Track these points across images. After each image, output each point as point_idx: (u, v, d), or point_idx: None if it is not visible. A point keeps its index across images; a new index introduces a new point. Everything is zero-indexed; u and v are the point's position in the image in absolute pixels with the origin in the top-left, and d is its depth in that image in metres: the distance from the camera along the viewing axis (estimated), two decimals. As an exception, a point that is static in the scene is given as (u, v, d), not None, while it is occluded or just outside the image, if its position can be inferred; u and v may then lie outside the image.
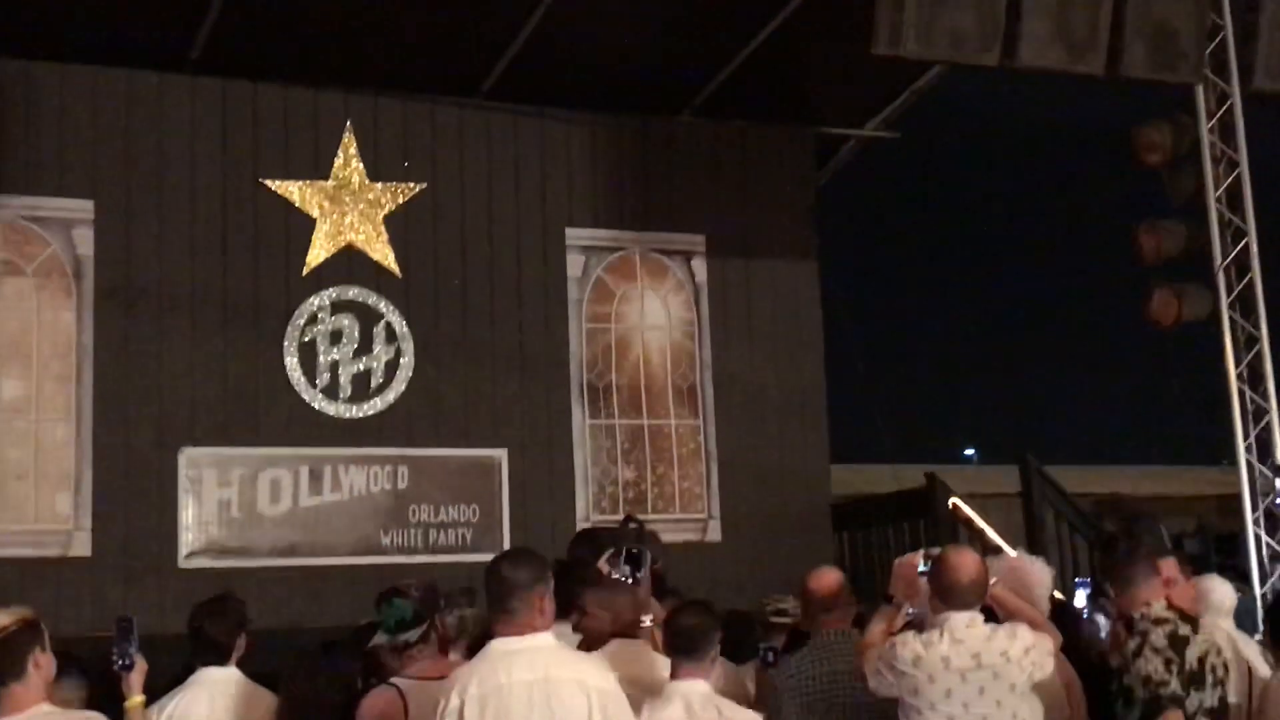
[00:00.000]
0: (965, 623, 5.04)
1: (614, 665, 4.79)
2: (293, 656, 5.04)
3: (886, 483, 12.91)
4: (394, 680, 4.83)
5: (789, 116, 12.37)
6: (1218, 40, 11.09)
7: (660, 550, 7.81)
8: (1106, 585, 5.34)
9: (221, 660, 5.25)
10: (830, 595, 5.61)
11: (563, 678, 4.36)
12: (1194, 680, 4.98)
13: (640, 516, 9.70)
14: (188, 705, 5.16)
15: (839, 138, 13.01)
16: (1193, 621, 5.10)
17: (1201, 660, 5.01)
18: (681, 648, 5.04)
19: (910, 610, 5.36)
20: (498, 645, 4.41)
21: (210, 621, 5.30)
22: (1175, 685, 4.96)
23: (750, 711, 5.12)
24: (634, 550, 5.65)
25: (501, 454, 11.19)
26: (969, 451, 26.38)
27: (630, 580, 5.56)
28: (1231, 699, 5.19)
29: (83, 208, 10.43)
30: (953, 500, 11.93)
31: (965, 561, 5.17)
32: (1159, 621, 5.04)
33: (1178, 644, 5.00)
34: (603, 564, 5.65)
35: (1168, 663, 4.97)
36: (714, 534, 11.73)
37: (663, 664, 5.24)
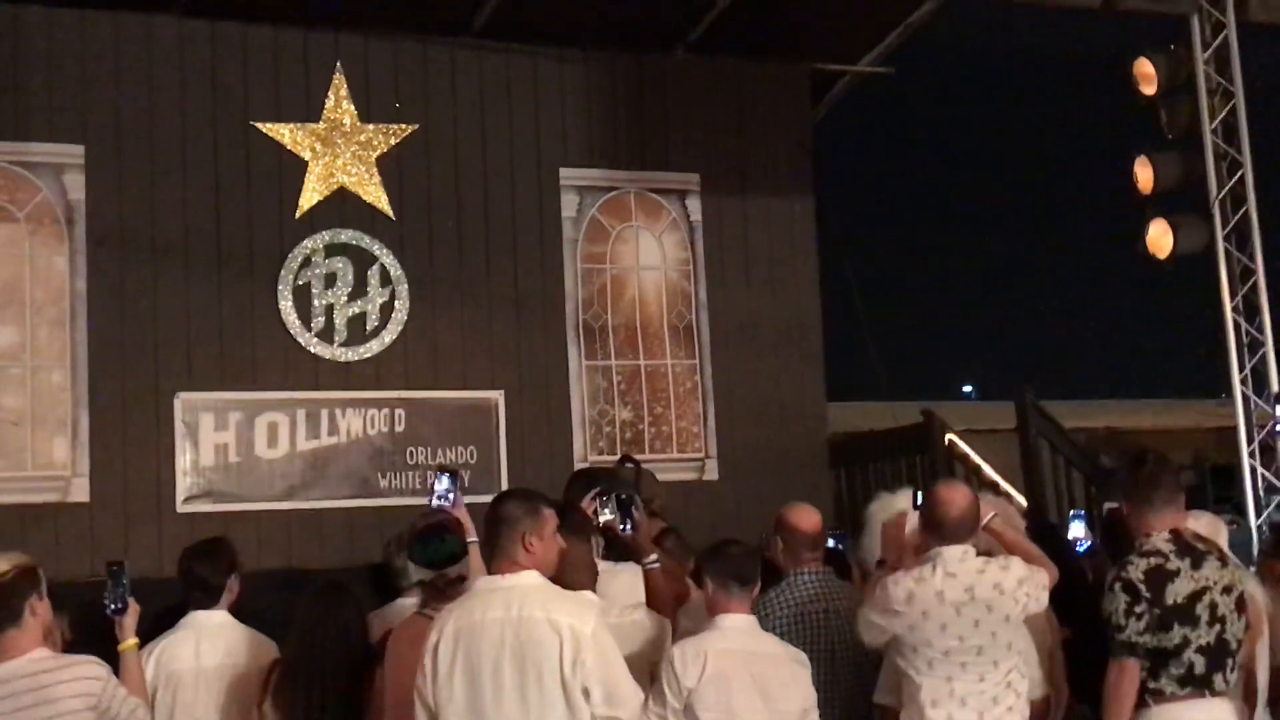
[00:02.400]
0: (958, 556, 5.06)
1: None
2: (302, 603, 5.02)
3: (884, 419, 12.93)
4: (426, 610, 4.86)
5: (783, 53, 12.28)
6: (1214, -30, 11.03)
7: (658, 489, 7.84)
8: (1120, 502, 5.22)
9: (211, 602, 5.26)
10: (815, 534, 5.62)
11: (535, 617, 4.33)
12: (1178, 617, 4.91)
13: (637, 456, 9.76)
14: (175, 648, 5.18)
15: (834, 74, 12.92)
16: (1194, 555, 5.03)
17: (1193, 596, 4.93)
18: (735, 574, 5.02)
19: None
20: (482, 583, 4.43)
21: (199, 563, 5.32)
22: (1130, 630, 4.89)
23: (800, 651, 5.13)
24: (623, 496, 5.61)
25: (498, 395, 11.19)
26: (966, 388, 26.43)
27: (625, 529, 5.54)
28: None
29: (73, 153, 10.36)
30: (949, 436, 11.96)
31: (956, 496, 5.18)
32: (1147, 554, 4.99)
33: (1156, 579, 4.93)
34: (587, 503, 5.64)
35: (1130, 604, 4.90)
36: (711, 473, 11.75)
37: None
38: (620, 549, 5.66)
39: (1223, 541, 5.64)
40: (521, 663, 4.28)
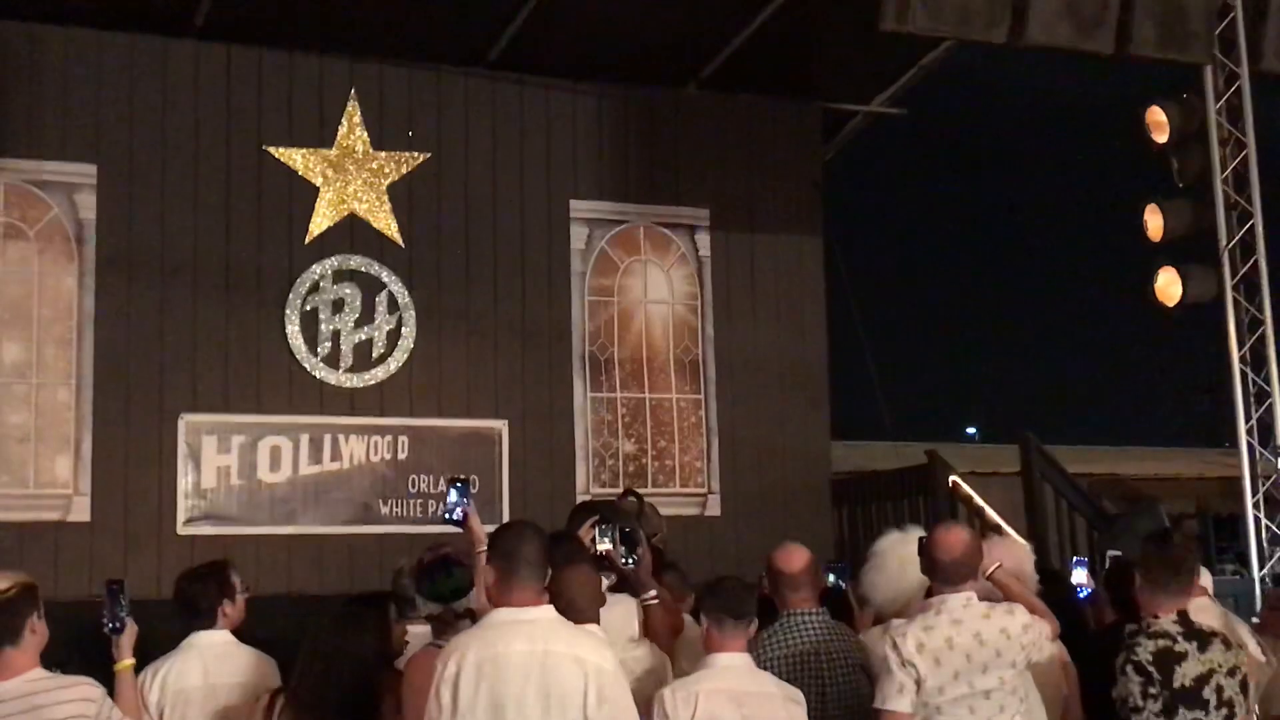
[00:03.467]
0: (962, 603, 5.03)
1: None
2: (321, 620, 4.99)
3: (887, 460, 12.90)
4: (440, 641, 4.84)
5: (796, 91, 12.32)
6: (1227, 20, 11.05)
7: (660, 524, 7.82)
8: (1138, 575, 5.23)
9: (210, 624, 5.25)
10: (798, 574, 5.57)
11: (560, 652, 4.33)
12: (1184, 699, 4.92)
13: (640, 490, 9.73)
14: (181, 669, 5.16)
15: (845, 113, 12.95)
16: (1201, 638, 5.03)
17: (1200, 679, 4.94)
18: (729, 610, 4.99)
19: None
20: (501, 614, 4.39)
21: (192, 585, 5.30)
22: (1148, 712, 4.90)
23: (794, 688, 5.09)
24: (628, 530, 5.61)
25: (502, 425, 11.19)
26: (970, 430, 26.39)
27: (628, 562, 5.53)
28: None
29: (85, 172, 10.40)
30: (953, 478, 11.92)
31: (954, 538, 5.15)
32: (1154, 635, 5.00)
33: (1165, 661, 4.93)
34: (584, 531, 5.63)
35: (1144, 685, 4.92)
36: (714, 508, 11.73)
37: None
38: (617, 580, 5.64)
39: (1236, 625, 5.67)
40: (546, 698, 4.27)
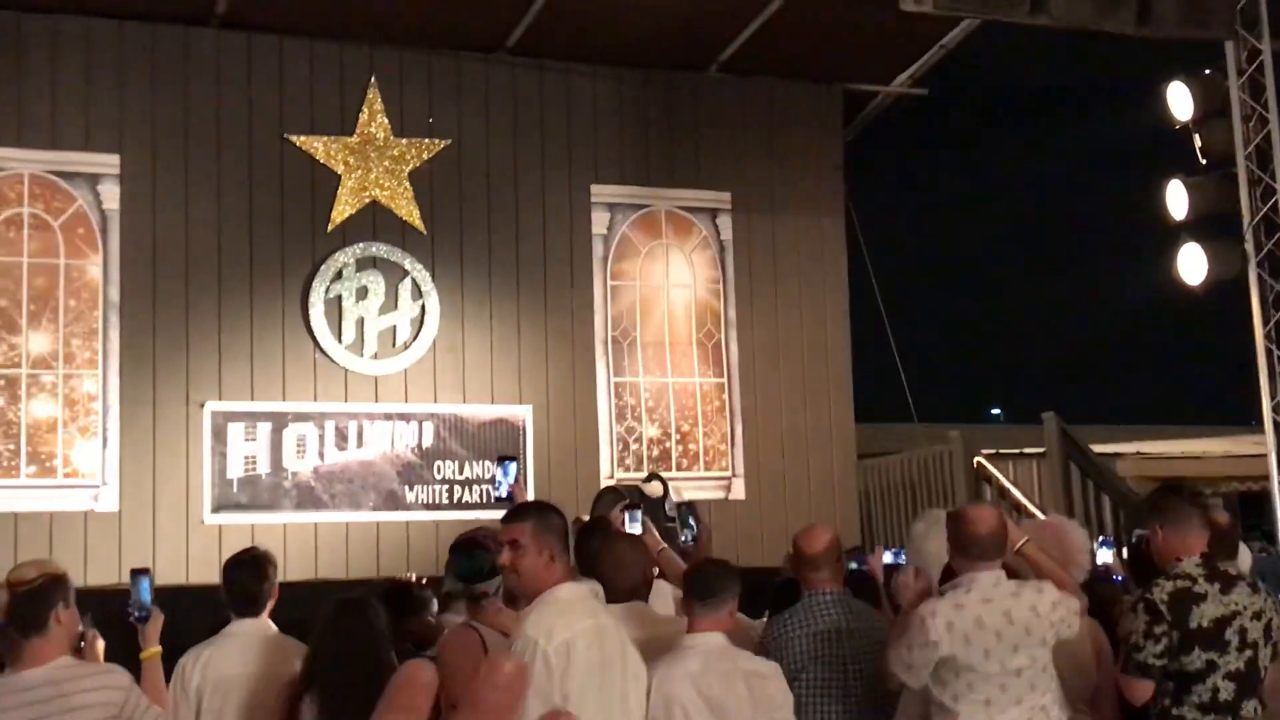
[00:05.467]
0: (992, 581, 5.03)
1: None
2: (326, 612, 5.05)
3: (912, 441, 12.90)
4: (474, 624, 4.88)
5: (816, 73, 12.30)
6: (1249, -4, 10.99)
7: (699, 520, 7.87)
8: (1154, 524, 5.16)
9: (255, 611, 5.29)
10: (819, 555, 5.59)
11: (618, 625, 4.53)
12: (1201, 641, 4.87)
13: (664, 474, 9.74)
14: (221, 657, 5.20)
15: (866, 94, 12.92)
16: (1225, 579, 4.98)
17: (1221, 621, 4.88)
18: (699, 594, 5.04)
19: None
20: (573, 589, 4.46)
21: (241, 572, 5.34)
22: (1148, 652, 4.86)
23: (769, 661, 5.13)
24: (682, 504, 5.74)
25: (526, 411, 11.21)
26: (995, 411, 26.34)
27: (686, 539, 5.68)
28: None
29: (109, 162, 10.45)
30: (977, 459, 11.92)
31: (983, 515, 5.15)
32: (1174, 577, 4.96)
33: (1181, 602, 4.88)
34: (615, 515, 5.68)
35: (1150, 624, 4.87)
36: (738, 492, 11.75)
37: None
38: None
39: (1245, 568, 5.60)
40: (628, 668, 4.45)
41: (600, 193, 11.74)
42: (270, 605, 5.35)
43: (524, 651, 4.23)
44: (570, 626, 4.31)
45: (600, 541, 5.36)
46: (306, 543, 10.40)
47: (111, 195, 10.44)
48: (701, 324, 11.92)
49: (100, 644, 4.86)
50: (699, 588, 5.06)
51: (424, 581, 6.04)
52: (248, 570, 5.35)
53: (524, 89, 11.59)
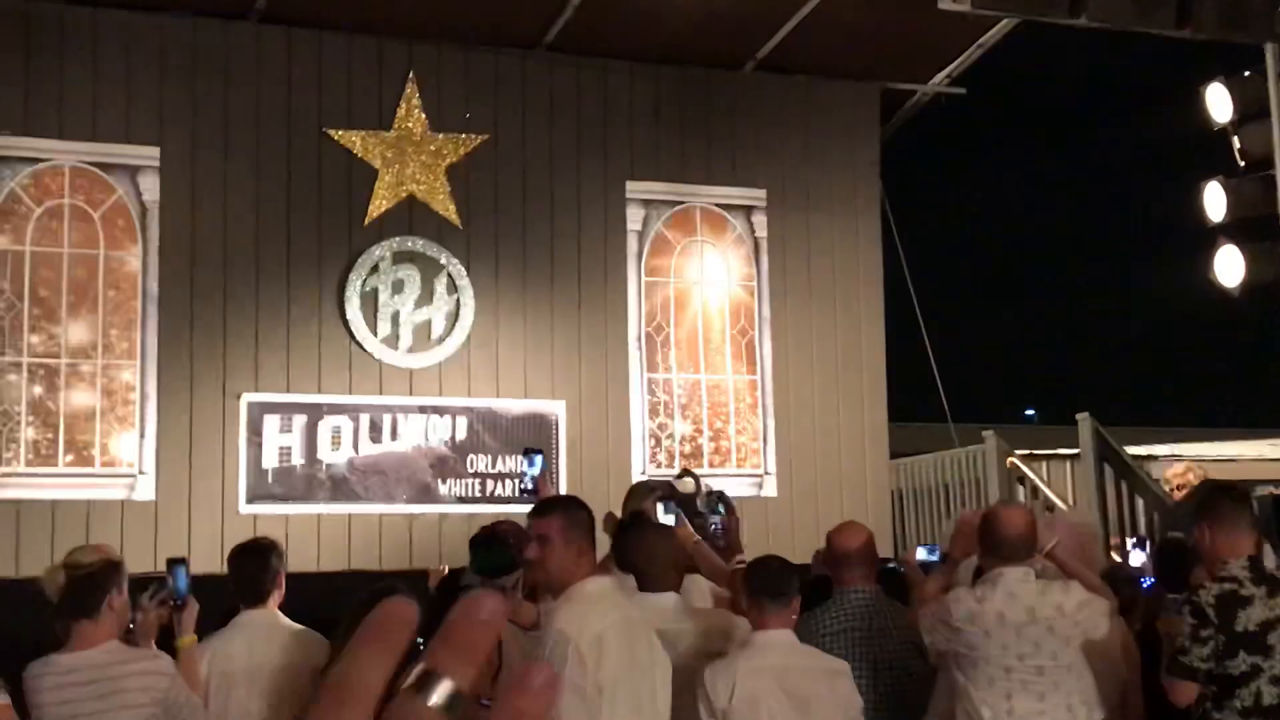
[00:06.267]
0: (1019, 577, 5.05)
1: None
2: (356, 601, 5.08)
3: (945, 441, 12.88)
4: None
5: (853, 71, 12.28)
6: (1291, -2, 10.91)
7: (730, 509, 7.93)
8: (1202, 524, 5.12)
9: (260, 601, 5.31)
10: (854, 553, 5.61)
11: (645, 619, 4.59)
12: (1245, 644, 4.84)
13: (696, 471, 9.75)
14: (227, 647, 5.24)
15: (904, 93, 12.90)
16: (1272, 583, 4.95)
17: (1266, 625, 4.86)
18: (770, 592, 5.04)
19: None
20: (601, 584, 4.49)
21: (246, 561, 5.37)
22: (1194, 655, 4.84)
23: (841, 660, 5.14)
24: (712, 492, 5.79)
25: (559, 406, 11.24)
26: (1029, 411, 26.24)
27: (715, 528, 5.73)
28: None
29: (149, 154, 10.53)
30: (1010, 459, 11.89)
31: (1014, 516, 5.18)
32: (1222, 579, 4.93)
33: (1228, 605, 4.86)
34: (648, 505, 5.73)
35: (1195, 628, 4.85)
36: (770, 489, 11.75)
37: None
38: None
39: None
40: (655, 662, 4.51)
41: (635, 189, 11.76)
42: (278, 595, 5.36)
43: (557, 646, 4.26)
44: (602, 619, 4.34)
45: (634, 534, 5.40)
46: (340, 534, 10.47)
47: (151, 187, 10.51)
48: (735, 321, 11.93)
49: (194, 607, 4.94)
50: (769, 585, 5.06)
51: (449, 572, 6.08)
52: (252, 559, 5.38)
53: (561, 85, 11.63)
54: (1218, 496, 5.20)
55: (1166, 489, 10.68)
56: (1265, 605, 4.86)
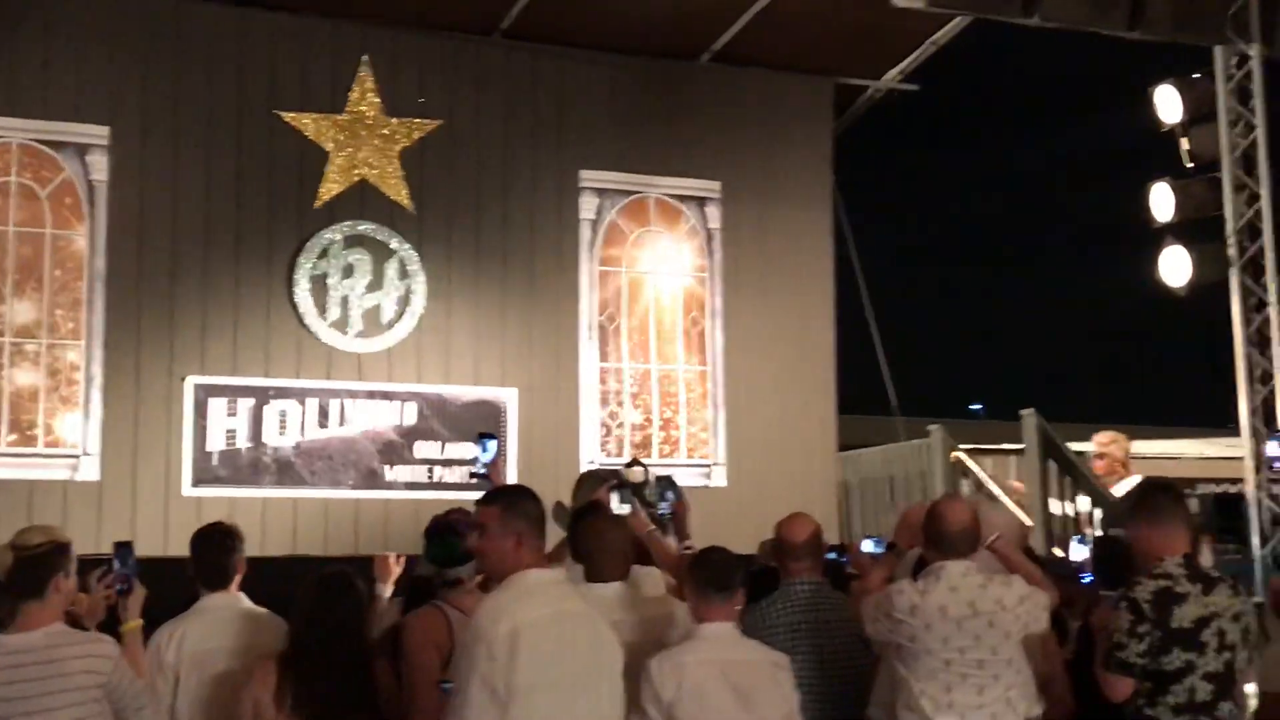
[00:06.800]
0: (961, 571, 5.09)
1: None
2: (308, 585, 5.07)
3: (892, 434, 12.95)
4: (439, 604, 4.90)
5: (808, 65, 12.32)
6: (1241, 2, 11.04)
7: (679, 495, 7.96)
8: (1137, 523, 5.15)
9: (224, 584, 5.31)
10: (802, 545, 5.64)
11: (593, 614, 4.48)
12: (1180, 641, 4.89)
13: (646, 460, 9.77)
14: (196, 632, 5.21)
15: (857, 88, 12.95)
16: (1206, 580, 5.00)
17: (1200, 622, 4.90)
18: (714, 583, 5.04)
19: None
20: (535, 576, 4.41)
21: (208, 545, 5.35)
22: (1130, 651, 4.88)
23: (782, 654, 5.15)
24: (661, 477, 5.80)
25: (510, 394, 11.23)
26: (976, 406, 26.43)
27: (663, 512, 5.74)
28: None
29: (98, 133, 10.43)
30: (955, 453, 11.98)
31: (958, 511, 5.22)
32: (1157, 576, 4.97)
33: (1164, 601, 4.91)
34: (603, 494, 5.73)
35: (1133, 624, 4.88)
36: (719, 479, 11.79)
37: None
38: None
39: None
40: (594, 656, 4.38)
41: (590, 178, 11.75)
42: (238, 579, 5.36)
43: (471, 640, 4.25)
44: (525, 613, 4.27)
45: (584, 523, 5.40)
46: (285, 518, 10.42)
47: (100, 166, 10.42)
48: (687, 311, 11.96)
49: (140, 592, 4.92)
50: (715, 578, 5.05)
51: (401, 559, 6.07)
52: (215, 544, 5.36)
53: (517, 73, 11.60)
54: (1153, 494, 5.23)
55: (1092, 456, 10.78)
56: (1199, 602, 4.91)
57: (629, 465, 9.08)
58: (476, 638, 4.24)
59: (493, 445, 5.87)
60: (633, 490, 5.99)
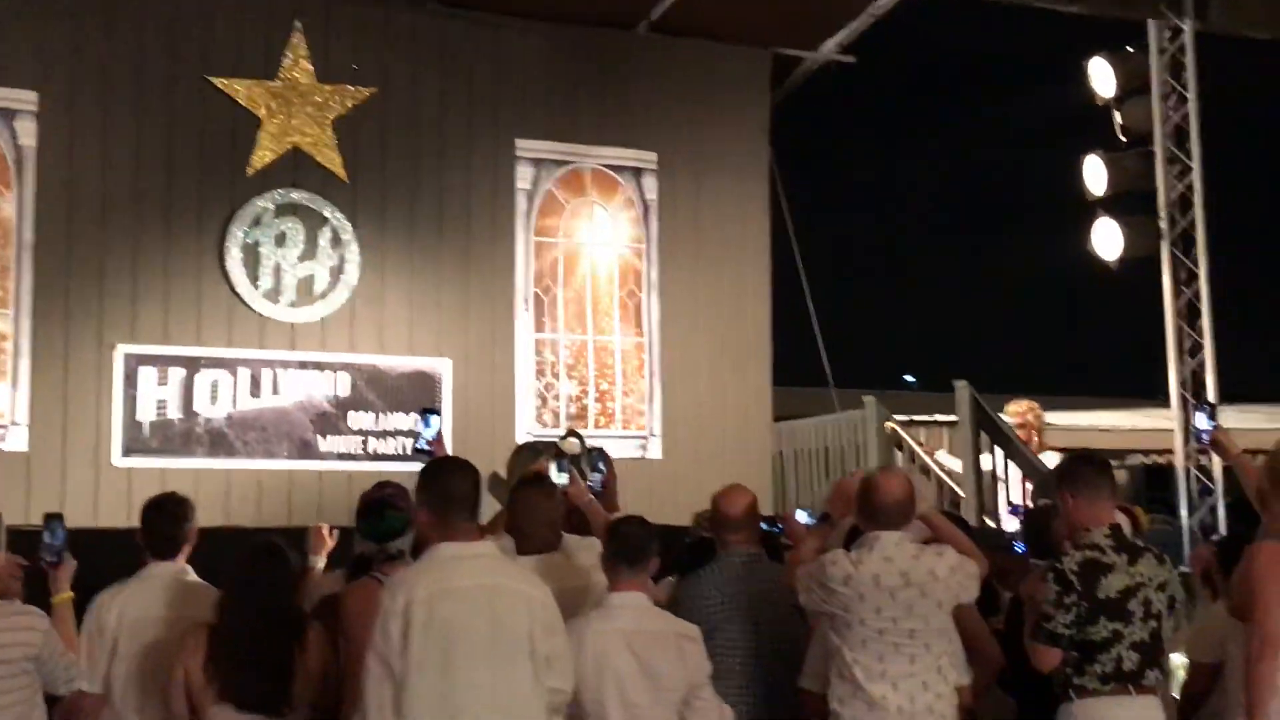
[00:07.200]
0: (895, 542, 5.13)
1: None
2: (238, 556, 5.05)
3: (827, 406, 13.01)
4: (377, 575, 4.89)
5: (745, 35, 12.28)
6: (1174, -24, 11.14)
7: (609, 465, 7.96)
8: (1065, 493, 5.19)
9: (171, 554, 5.29)
10: (739, 517, 5.66)
11: (507, 587, 4.43)
12: (1107, 611, 4.95)
13: (581, 432, 9.77)
14: (138, 599, 5.20)
15: (795, 60, 12.94)
16: (1132, 550, 5.06)
17: (1127, 592, 4.97)
18: (624, 555, 5.07)
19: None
20: (444, 549, 4.43)
21: (160, 515, 5.33)
22: (1058, 621, 4.94)
23: (692, 625, 5.18)
24: (592, 449, 5.82)
25: (445, 364, 11.17)
26: (910, 378, 26.60)
27: (594, 483, 5.75)
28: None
29: (26, 99, 10.24)
30: (889, 424, 12.05)
31: (893, 483, 5.25)
32: (1083, 547, 5.04)
33: (1090, 572, 4.97)
34: (541, 464, 5.74)
35: (1060, 595, 4.95)
36: (655, 451, 11.79)
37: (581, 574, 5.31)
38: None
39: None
40: (496, 630, 4.34)
41: (526, 147, 11.68)
42: (188, 550, 5.35)
43: (381, 614, 4.28)
44: (426, 587, 4.29)
45: (516, 495, 5.40)
46: (218, 489, 10.31)
47: (28, 132, 10.23)
48: (624, 283, 11.93)
49: (71, 565, 4.87)
50: (627, 550, 5.08)
51: (334, 531, 6.05)
52: (166, 513, 5.36)
53: (452, 40, 11.49)
54: (1080, 466, 5.29)
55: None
56: (1126, 573, 4.98)
57: (565, 437, 9.11)
58: (379, 612, 4.28)
59: (436, 421, 5.90)
60: (571, 461, 5.99)
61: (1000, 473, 11.07)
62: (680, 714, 5.01)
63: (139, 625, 5.13)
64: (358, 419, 10.88)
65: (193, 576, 5.31)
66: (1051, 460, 10.53)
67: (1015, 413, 10.75)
